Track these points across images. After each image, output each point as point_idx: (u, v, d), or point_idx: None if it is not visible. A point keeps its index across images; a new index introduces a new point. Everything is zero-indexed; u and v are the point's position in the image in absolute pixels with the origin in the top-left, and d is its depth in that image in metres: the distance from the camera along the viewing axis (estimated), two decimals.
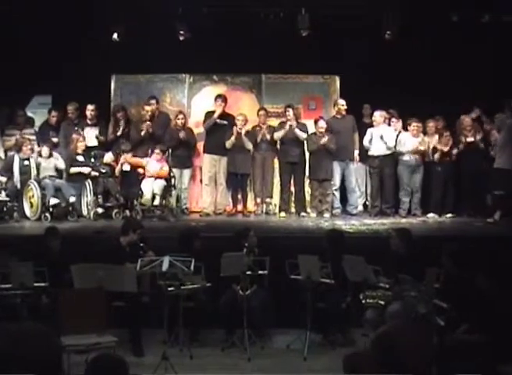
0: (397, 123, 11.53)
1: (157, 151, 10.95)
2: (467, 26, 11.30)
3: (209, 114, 11.54)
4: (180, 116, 11.41)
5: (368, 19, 11.31)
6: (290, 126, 11.15)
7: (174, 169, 11.32)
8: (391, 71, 11.45)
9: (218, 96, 11.56)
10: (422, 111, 11.39)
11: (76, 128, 11.33)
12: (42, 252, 7.82)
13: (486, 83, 11.29)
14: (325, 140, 11.08)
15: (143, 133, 11.22)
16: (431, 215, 11.20)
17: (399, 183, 11.41)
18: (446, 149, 11.20)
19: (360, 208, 11.79)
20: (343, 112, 11.46)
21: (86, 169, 10.84)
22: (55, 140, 11.41)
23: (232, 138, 11.13)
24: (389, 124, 11.51)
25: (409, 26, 11.21)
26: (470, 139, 11.18)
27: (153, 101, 11.63)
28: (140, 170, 10.99)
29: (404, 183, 11.32)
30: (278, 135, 11.30)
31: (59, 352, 2.48)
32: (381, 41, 11.45)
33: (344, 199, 11.57)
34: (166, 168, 10.95)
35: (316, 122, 11.38)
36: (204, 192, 11.52)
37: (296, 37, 11.33)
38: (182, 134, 11.20)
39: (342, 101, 11.47)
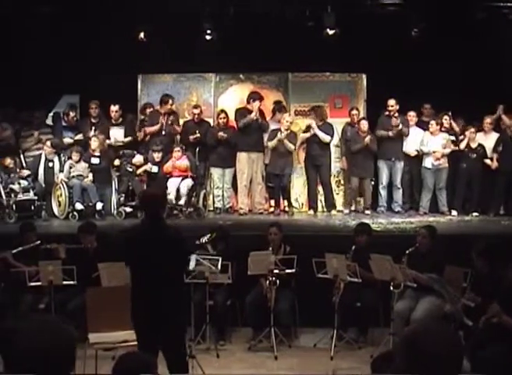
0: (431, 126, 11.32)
1: (176, 149, 10.92)
2: (493, 23, 11.20)
3: (240, 111, 11.40)
4: (222, 115, 11.34)
5: (395, 16, 11.27)
6: (313, 128, 11.20)
7: (215, 169, 11.35)
8: (418, 69, 11.34)
9: (256, 93, 11.45)
10: (450, 108, 11.33)
11: (94, 128, 11.33)
12: (74, 250, 7.90)
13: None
14: (367, 140, 11.06)
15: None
16: (454, 213, 11.12)
17: (422, 182, 11.38)
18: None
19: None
20: (394, 113, 11.24)
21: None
22: (68, 140, 11.42)
23: (275, 141, 11.03)
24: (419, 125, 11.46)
25: (436, 24, 11.12)
26: None
27: (169, 101, 11.37)
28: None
29: (428, 183, 11.25)
30: (302, 136, 11.41)
31: (72, 344, 2.45)
32: (408, 38, 11.38)
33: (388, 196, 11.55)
34: (185, 162, 10.84)
35: (359, 122, 11.32)
36: (241, 192, 11.32)
37: (322, 35, 11.30)
38: (221, 134, 11.07)
39: (392, 102, 11.28)
